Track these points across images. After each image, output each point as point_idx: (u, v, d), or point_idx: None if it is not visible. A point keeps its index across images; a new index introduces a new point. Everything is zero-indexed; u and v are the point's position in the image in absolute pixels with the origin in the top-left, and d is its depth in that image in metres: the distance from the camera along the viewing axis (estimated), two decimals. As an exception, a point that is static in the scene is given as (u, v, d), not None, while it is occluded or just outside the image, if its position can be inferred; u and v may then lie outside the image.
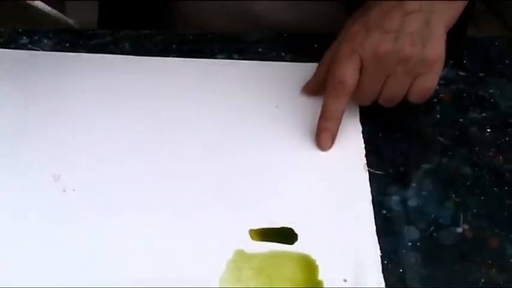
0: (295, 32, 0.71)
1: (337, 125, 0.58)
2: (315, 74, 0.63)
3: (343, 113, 0.58)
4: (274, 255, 0.50)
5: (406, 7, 0.56)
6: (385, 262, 0.49)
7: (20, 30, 0.70)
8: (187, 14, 0.77)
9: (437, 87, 0.59)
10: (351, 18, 0.60)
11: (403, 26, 0.55)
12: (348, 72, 0.56)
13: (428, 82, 0.57)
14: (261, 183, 0.55)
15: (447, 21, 0.57)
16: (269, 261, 0.49)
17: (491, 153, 0.59)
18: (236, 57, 0.68)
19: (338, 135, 0.59)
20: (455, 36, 0.58)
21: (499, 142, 0.60)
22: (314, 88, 0.63)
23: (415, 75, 0.56)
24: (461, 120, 0.62)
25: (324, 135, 0.58)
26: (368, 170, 0.56)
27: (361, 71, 0.56)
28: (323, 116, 0.58)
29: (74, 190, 0.54)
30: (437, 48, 0.56)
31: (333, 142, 0.58)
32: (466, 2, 0.59)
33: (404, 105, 0.59)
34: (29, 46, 0.68)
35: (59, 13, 0.57)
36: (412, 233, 0.52)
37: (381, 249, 0.50)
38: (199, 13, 0.76)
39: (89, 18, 0.88)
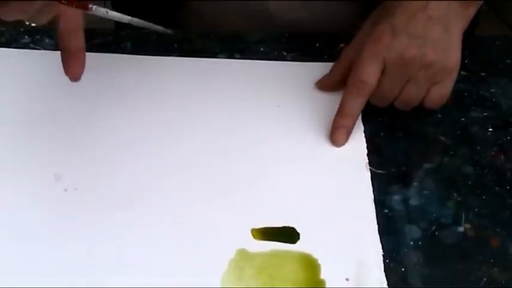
0: (307, 32, 0.71)
1: (353, 123, 0.59)
2: (331, 72, 0.64)
3: (360, 112, 0.59)
4: (276, 254, 0.50)
5: (428, 12, 0.56)
6: (387, 261, 0.49)
7: (22, 29, 0.70)
8: (203, 14, 0.77)
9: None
10: (370, 18, 0.61)
11: (427, 32, 0.56)
12: (371, 73, 0.57)
13: (445, 89, 0.59)
14: (263, 183, 0.55)
15: (462, 27, 0.58)
16: (271, 261, 0.49)
17: (492, 153, 0.59)
18: (238, 56, 0.68)
19: (340, 135, 0.59)
20: (465, 37, 0.59)
21: (500, 141, 0.60)
22: (328, 85, 0.64)
23: (434, 81, 0.58)
24: (462, 119, 0.62)
25: (339, 132, 0.58)
26: (370, 169, 0.57)
27: (382, 73, 0.57)
28: (340, 113, 0.59)
29: (75, 189, 0.54)
30: (456, 55, 0.57)
31: (347, 139, 0.59)
32: (479, 5, 0.59)
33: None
34: (31, 45, 0.69)
35: (152, 25, 0.56)
36: (413, 232, 0.52)
37: (382, 248, 0.50)
38: (215, 12, 0.76)
39: (91, 17, 0.88)
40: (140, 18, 0.57)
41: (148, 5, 0.77)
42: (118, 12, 0.55)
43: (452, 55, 0.57)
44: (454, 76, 0.58)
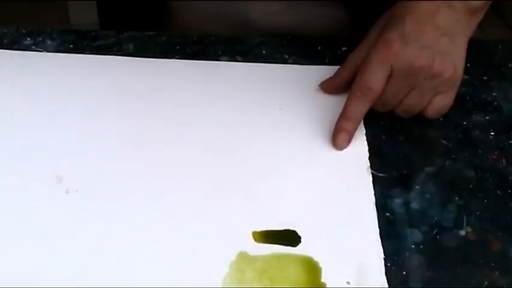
0: (289, 34, 0.71)
1: (356, 127, 0.59)
2: (336, 75, 0.64)
3: (363, 117, 0.59)
4: (277, 257, 0.50)
5: (436, 22, 0.56)
6: (388, 264, 0.49)
7: (24, 31, 0.70)
8: (180, 17, 0.77)
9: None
10: (378, 24, 0.61)
11: (436, 42, 0.56)
12: (377, 79, 0.57)
13: (447, 100, 0.59)
14: (264, 186, 0.55)
15: (467, 38, 0.59)
16: (272, 263, 0.49)
17: (494, 156, 0.59)
18: (239, 59, 0.68)
19: (341, 138, 0.59)
20: None
21: (502, 145, 0.60)
22: (332, 87, 0.64)
23: (438, 92, 0.58)
24: (464, 123, 0.62)
25: (342, 135, 0.58)
26: (371, 173, 0.56)
27: (387, 79, 0.57)
28: (344, 116, 0.59)
29: (76, 191, 0.54)
30: (461, 68, 0.58)
31: (349, 143, 0.59)
32: (483, 14, 0.59)
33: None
34: (33, 47, 0.69)
35: None
36: (415, 235, 0.52)
37: (384, 251, 0.50)
38: (193, 16, 0.76)
39: (91, 19, 0.89)
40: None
41: (130, 7, 0.77)
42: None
43: (457, 68, 0.58)
44: (456, 88, 0.59)
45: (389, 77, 0.57)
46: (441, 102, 0.59)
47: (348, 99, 0.58)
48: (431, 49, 0.56)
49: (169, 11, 0.77)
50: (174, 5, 0.76)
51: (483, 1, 0.58)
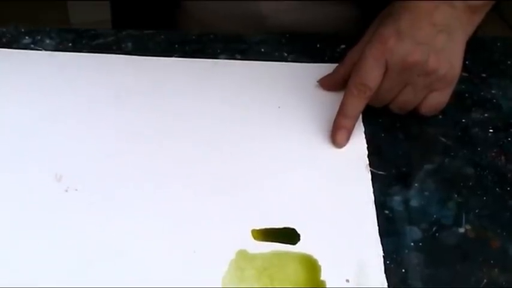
0: (301, 33, 0.71)
1: (354, 124, 0.59)
2: (335, 71, 0.64)
3: (360, 113, 0.59)
4: (277, 255, 0.50)
5: (434, 18, 0.56)
6: (388, 262, 0.49)
7: (23, 30, 0.70)
8: (194, 15, 0.77)
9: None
10: (377, 20, 0.61)
11: (432, 39, 0.56)
12: (373, 77, 0.57)
13: (442, 97, 0.59)
14: (264, 184, 0.55)
15: (466, 36, 0.59)
16: (271, 261, 0.49)
17: (493, 154, 0.59)
18: (239, 57, 0.68)
19: (340, 136, 0.59)
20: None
21: (501, 143, 0.60)
22: (331, 84, 0.64)
23: (433, 89, 0.58)
24: (463, 120, 0.62)
25: (340, 133, 0.58)
26: (370, 170, 0.56)
27: (383, 75, 0.57)
28: (342, 113, 0.59)
29: (76, 190, 0.54)
30: (457, 66, 0.58)
31: (348, 140, 0.59)
32: (484, 13, 0.59)
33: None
34: (32, 46, 0.69)
35: None
36: (414, 233, 0.52)
37: (383, 249, 0.50)
38: (206, 14, 0.76)
39: (90, 18, 0.89)
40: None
41: (145, 5, 0.77)
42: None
43: (453, 66, 0.57)
44: (453, 86, 0.59)
45: (385, 72, 0.57)
46: (436, 99, 0.59)
47: (345, 96, 0.59)
48: (427, 46, 0.56)
49: (183, 10, 0.77)
50: (188, 4, 0.76)
51: (483, 1, 0.58)
